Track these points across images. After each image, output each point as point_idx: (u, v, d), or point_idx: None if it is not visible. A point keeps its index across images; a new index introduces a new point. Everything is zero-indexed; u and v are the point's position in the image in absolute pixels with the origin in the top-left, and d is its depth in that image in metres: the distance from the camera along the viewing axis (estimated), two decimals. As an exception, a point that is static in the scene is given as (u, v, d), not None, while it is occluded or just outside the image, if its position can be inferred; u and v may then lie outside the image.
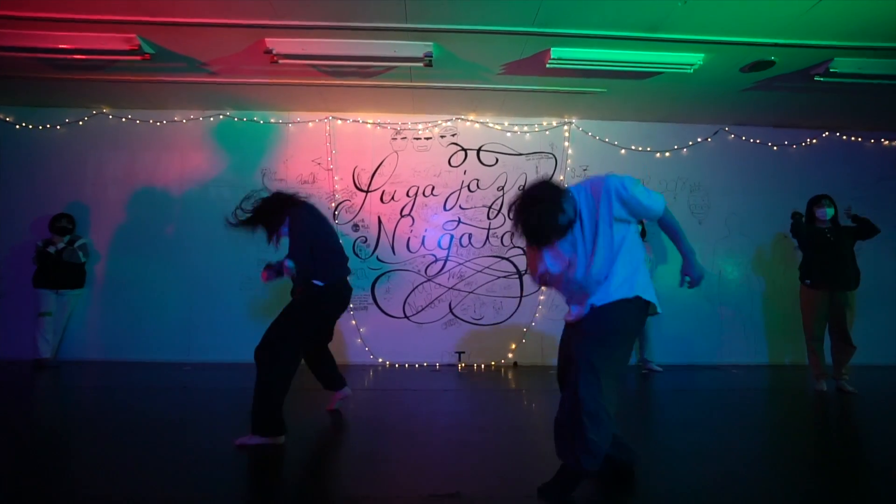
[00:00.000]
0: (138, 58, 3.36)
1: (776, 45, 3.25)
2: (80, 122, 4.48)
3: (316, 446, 2.49)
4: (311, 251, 2.46)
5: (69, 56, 3.33)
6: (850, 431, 2.92)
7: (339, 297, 2.64)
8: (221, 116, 4.55)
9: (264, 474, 2.05)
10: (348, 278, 2.73)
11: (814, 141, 4.81)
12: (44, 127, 4.45)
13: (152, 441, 2.37)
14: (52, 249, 4.07)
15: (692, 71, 3.52)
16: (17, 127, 4.45)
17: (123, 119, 4.51)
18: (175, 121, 4.53)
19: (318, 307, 2.53)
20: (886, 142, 4.84)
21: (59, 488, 1.87)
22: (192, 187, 4.48)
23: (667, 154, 4.73)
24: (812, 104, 4.21)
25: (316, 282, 2.50)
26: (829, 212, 3.69)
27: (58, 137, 4.46)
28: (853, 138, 4.83)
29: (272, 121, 4.56)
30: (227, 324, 4.40)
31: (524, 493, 1.81)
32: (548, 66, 3.46)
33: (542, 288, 4.55)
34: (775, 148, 4.78)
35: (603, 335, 1.74)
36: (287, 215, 2.53)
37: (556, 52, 3.35)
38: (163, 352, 4.34)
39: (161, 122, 4.52)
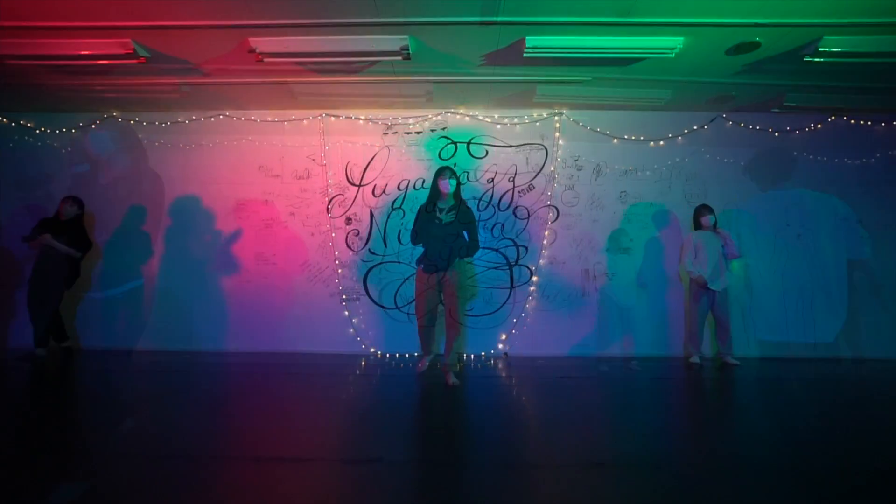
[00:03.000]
0: (134, 61, 3.56)
1: (758, 25, 3.17)
2: (93, 126, 4.77)
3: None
4: None
5: (72, 62, 3.57)
6: None
7: None
8: (221, 116, 4.76)
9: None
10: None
11: (818, 126, 4.64)
12: (60, 131, 4.76)
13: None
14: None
15: (674, 55, 3.46)
16: (37, 131, 4.77)
17: (132, 122, 4.77)
18: (178, 122, 4.76)
19: None
20: (898, 124, 4.61)
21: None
22: (195, 185, 4.70)
23: (661, 143, 4.66)
24: (810, 87, 4.07)
25: None
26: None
27: (72, 140, 4.76)
28: (862, 122, 4.63)
29: (268, 119, 4.74)
30: (228, 314, 4.59)
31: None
32: (524, 55, 3.48)
33: (534, 279, 4.56)
34: (777, 134, 4.63)
35: None
36: None
37: (530, 40, 3.36)
38: (168, 340, 4.58)
39: (165, 123, 4.76)
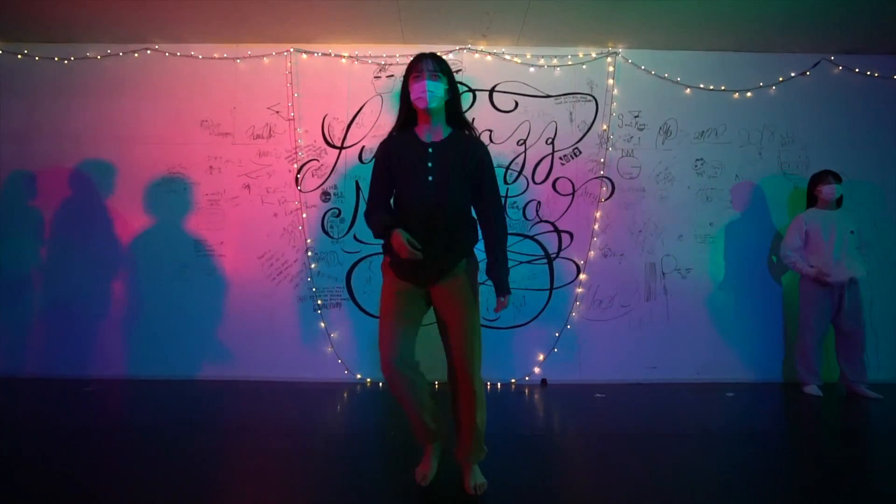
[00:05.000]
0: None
1: None
2: (-36, 61, 3.40)
3: None
4: None
5: None
6: None
7: None
8: (148, 51, 3.42)
9: None
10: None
11: (955, 73, 3.50)
12: (-83, 68, 3.38)
13: None
14: None
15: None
16: None
17: (19, 56, 3.40)
18: (87, 57, 3.41)
19: None
20: None
21: None
22: (111, 145, 3.36)
23: (748, 94, 3.47)
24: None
25: None
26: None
27: (-67, 81, 3.39)
28: None
29: (215, 55, 3.42)
30: (154, 327, 3.27)
31: None
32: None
33: (582, 277, 3.33)
34: (902, 83, 3.48)
35: None
36: None
37: None
38: (60, 365, 3.23)
39: (69, 59, 3.40)
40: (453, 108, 1.76)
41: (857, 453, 2.13)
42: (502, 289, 1.75)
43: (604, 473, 1.88)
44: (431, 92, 1.67)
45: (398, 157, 1.74)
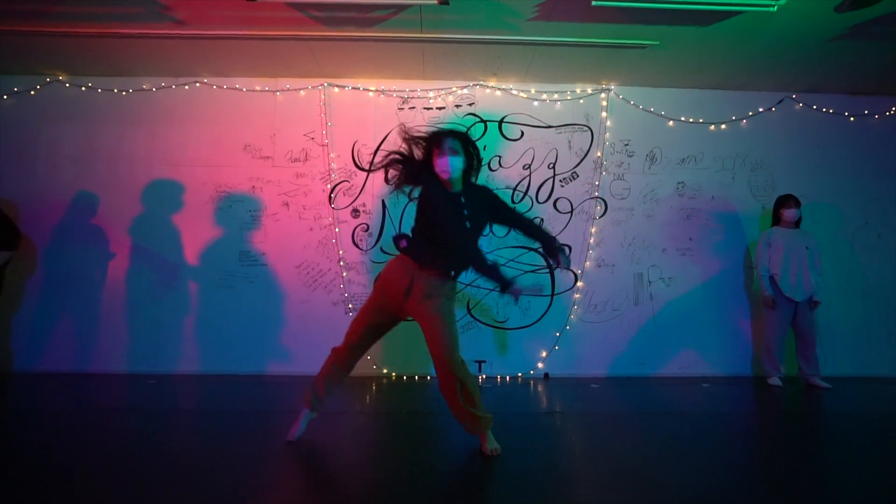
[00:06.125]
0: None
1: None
2: (32, 92, 3.81)
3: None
4: None
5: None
6: None
7: None
8: (197, 84, 3.87)
9: None
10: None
11: (898, 110, 4.06)
12: (-11, 97, 3.79)
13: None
14: None
15: (776, 9, 2.80)
16: (-41, 97, 3.79)
17: (83, 88, 3.83)
18: (143, 89, 3.85)
19: None
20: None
21: None
22: (163, 167, 3.79)
23: (723, 126, 4.00)
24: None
25: None
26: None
27: (4, 109, 3.79)
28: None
29: (257, 88, 3.87)
30: (201, 329, 3.70)
31: None
32: (594, 2, 2.76)
33: (579, 284, 3.82)
34: (852, 119, 4.03)
35: None
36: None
37: (607, -18, 2.64)
38: (127, 362, 3.65)
39: (127, 90, 3.84)
40: (468, 172, 2.17)
41: (811, 431, 2.64)
42: (555, 254, 2.22)
43: (599, 445, 2.35)
44: (454, 166, 2.08)
45: (442, 203, 2.06)
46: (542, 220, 3.84)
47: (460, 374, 2.07)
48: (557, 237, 3.77)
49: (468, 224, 2.13)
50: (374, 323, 2.24)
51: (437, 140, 2.13)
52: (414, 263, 2.13)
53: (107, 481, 1.81)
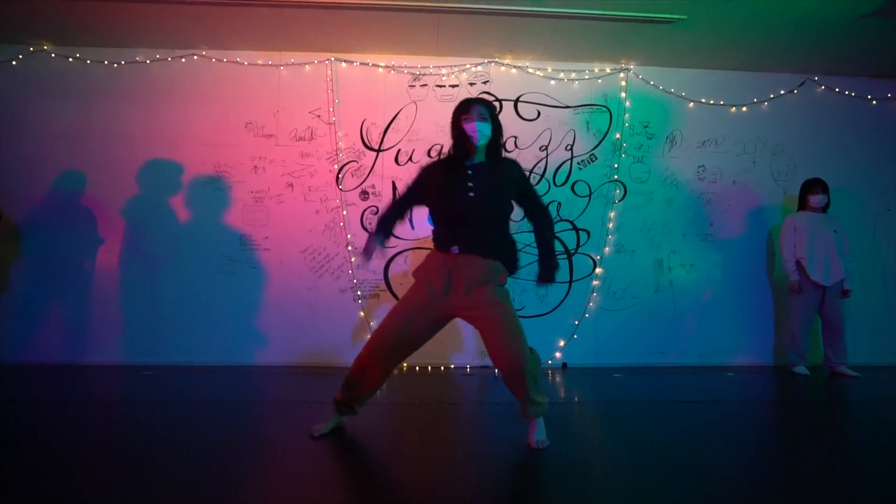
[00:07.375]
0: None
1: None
2: (13, 62, 3.54)
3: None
4: None
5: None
6: None
7: None
8: (195, 56, 3.63)
9: None
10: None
11: (921, 94, 3.98)
12: (-32, 67, 3.51)
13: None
14: None
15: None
16: (-65, 68, 3.50)
17: (70, 59, 3.57)
18: (137, 62, 3.60)
19: None
20: None
21: None
22: (160, 146, 3.56)
23: (744, 108, 3.88)
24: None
25: None
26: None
27: (-15, 80, 3.52)
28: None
29: (259, 62, 3.65)
30: (201, 317, 3.48)
31: None
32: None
33: (598, 271, 3.68)
34: (875, 102, 3.94)
35: None
36: None
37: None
38: (122, 352, 3.41)
39: (119, 62, 3.59)
40: (495, 143, 1.98)
41: (839, 421, 2.52)
42: (541, 277, 1.99)
43: (645, 436, 2.21)
44: (481, 132, 1.90)
45: (439, 180, 1.92)
46: (559, 203, 3.68)
47: (531, 367, 1.90)
48: (576, 222, 3.67)
49: (472, 195, 1.90)
50: (411, 325, 1.93)
51: (464, 106, 1.96)
52: (442, 253, 1.93)
53: (101, 473, 1.60)
